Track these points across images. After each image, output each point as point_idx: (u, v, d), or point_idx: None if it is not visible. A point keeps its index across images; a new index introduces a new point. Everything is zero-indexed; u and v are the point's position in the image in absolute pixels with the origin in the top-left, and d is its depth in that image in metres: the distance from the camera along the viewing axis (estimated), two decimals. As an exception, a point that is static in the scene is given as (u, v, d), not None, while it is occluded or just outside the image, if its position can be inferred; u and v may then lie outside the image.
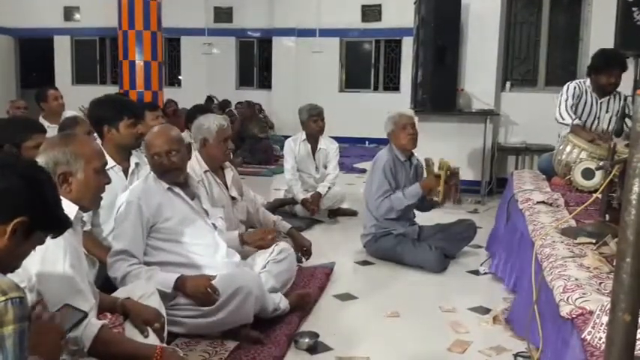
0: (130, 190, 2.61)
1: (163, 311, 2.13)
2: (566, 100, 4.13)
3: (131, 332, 1.96)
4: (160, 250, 2.52)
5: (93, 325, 1.73)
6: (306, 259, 3.50)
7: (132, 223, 2.46)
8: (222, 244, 2.66)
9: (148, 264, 2.48)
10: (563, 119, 4.11)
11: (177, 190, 2.59)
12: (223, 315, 2.40)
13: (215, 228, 2.65)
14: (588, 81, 4.19)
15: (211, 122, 3.19)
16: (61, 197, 1.77)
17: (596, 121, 4.16)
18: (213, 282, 2.42)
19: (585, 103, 4.15)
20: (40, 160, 1.79)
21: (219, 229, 2.68)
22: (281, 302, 2.68)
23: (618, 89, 4.23)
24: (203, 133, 3.17)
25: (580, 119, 4.14)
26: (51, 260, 1.67)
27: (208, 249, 2.60)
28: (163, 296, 2.29)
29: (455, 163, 3.79)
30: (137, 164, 3.01)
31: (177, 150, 2.57)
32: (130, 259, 2.42)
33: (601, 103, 4.16)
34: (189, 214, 2.58)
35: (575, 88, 4.17)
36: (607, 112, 4.15)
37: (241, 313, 2.41)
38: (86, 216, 2.75)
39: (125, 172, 2.97)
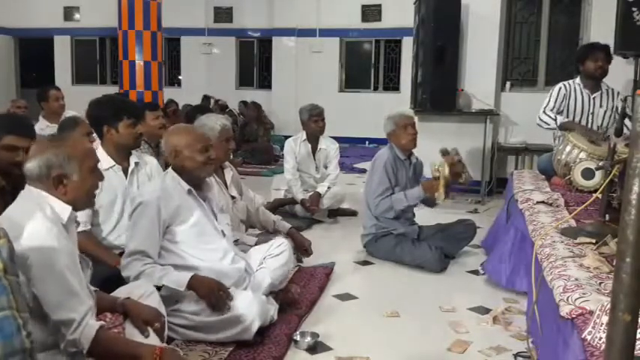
0: (147, 190, 2.57)
1: (163, 310, 2.13)
2: (547, 105, 4.21)
3: (131, 332, 1.95)
4: (170, 252, 2.50)
5: (91, 326, 1.73)
6: (307, 257, 3.50)
7: (149, 223, 2.43)
8: (230, 251, 2.66)
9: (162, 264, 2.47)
10: (547, 124, 4.16)
11: (195, 193, 2.57)
12: (223, 336, 2.40)
13: (224, 235, 2.64)
14: (578, 79, 4.22)
15: (214, 122, 3.18)
16: (55, 199, 1.78)
17: (589, 117, 4.17)
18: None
19: (575, 101, 4.17)
20: (32, 164, 1.78)
21: (227, 237, 2.67)
22: (275, 313, 2.66)
23: (619, 86, 4.25)
24: (206, 132, 3.17)
25: (573, 118, 4.15)
26: (46, 263, 1.66)
27: (217, 254, 2.58)
28: (165, 299, 2.29)
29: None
30: (137, 164, 3.00)
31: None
32: (144, 259, 2.40)
33: (594, 98, 4.17)
34: (202, 219, 2.55)
35: (560, 89, 4.21)
36: (601, 106, 4.16)
37: (242, 336, 2.40)
38: (86, 216, 2.76)
39: (125, 171, 2.97)
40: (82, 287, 1.77)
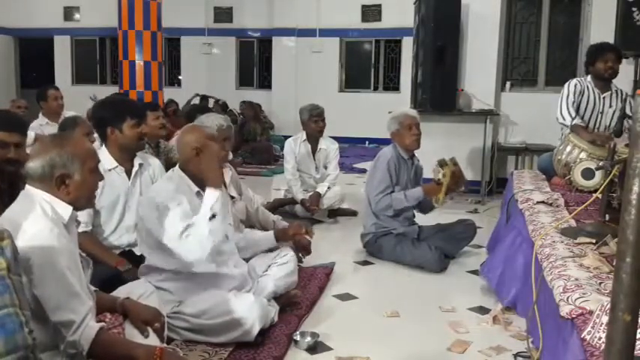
0: (160, 191, 2.49)
1: (163, 310, 2.12)
2: (567, 97, 4.14)
3: (131, 332, 1.95)
4: (174, 253, 2.45)
5: (91, 327, 1.72)
6: (307, 255, 3.50)
7: (179, 211, 2.37)
8: (234, 254, 2.66)
9: (159, 270, 2.46)
10: (564, 119, 4.11)
11: (203, 194, 2.51)
12: (225, 339, 2.40)
13: (227, 238, 2.62)
14: (589, 77, 4.20)
15: (212, 122, 3.18)
16: (57, 199, 1.77)
17: (599, 117, 4.16)
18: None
19: (588, 99, 4.15)
20: (35, 164, 1.76)
21: (230, 239, 2.67)
22: (275, 315, 2.66)
23: (620, 86, 4.24)
24: None
25: (583, 116, 4.14)
26: (47, 263, 1.65)
27: (221, 256, 2.58)
28: (166, 301, 2.30)
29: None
30: (141, 165, 2.99)
31: None
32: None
33: (604, 98, 4.16)
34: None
35: (576, 84, 4.18)
36: (610, 106, 4.15)
37: (243, 338, 2.40)
38: (87, 216, 2.76)
39: (128, 173, 2.95)
40: (82, 287, 1.77)
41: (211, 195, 2.35)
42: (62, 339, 1.69)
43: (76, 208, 1.85)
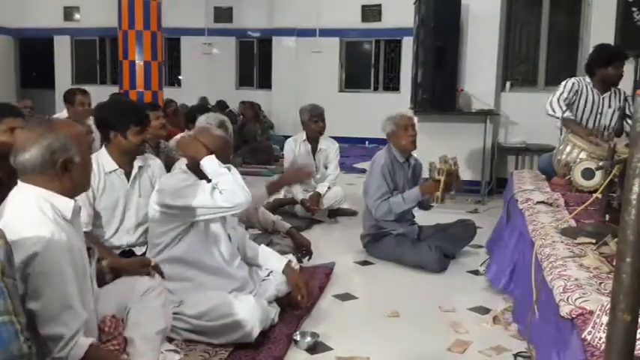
0: (172, 176, 2.59)
1: (170, 315, 2.14)
2: (561, 94, 4.11)
3: (131, 335, 1.94)
4: (182, 243, 2.50)
5: (80, 346, 1.61)
6: (308, 259, 3.50)
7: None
8: (237, 255, 2.67)
9: (169, 258, 2.50)
10: (554, 112, 4.08)
11: None
12: (225, 340, 2.41)
13: (230, 239, 2.63)
14: (588, 78, 4.18)
15: (212, 122, 3.19)
16: (55, 194, 1.66)
17: (598, 117, 4.15)
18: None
19: (586, 99, 4.14)
20: (33, 152, 1.62)
21: (233, 241, 2.67)
22: (276, 316, 2.66)
23: (620, 86, 4.22)
24: None
25: (582, 117, 4.13)
26: (46, 274, 1.56)
27: (224, 256, 2.59)
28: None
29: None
30: (140, 167, 2.98)
31: None
32: None
33: (603, 98, 4.15)
34: (216, 223, 2.56)
35: (573, 83, 4.16)
36: (609, 107, 4.14)
37: (243, 340, 2.41)
38: (87, 217, 2.75)
39: (127, 175, 2.95)
40: (83, 291, 1.70)
41: (208, 161, 2.41)
42: (49, 353, 1.57)
43: (75, 196, 1.76)
